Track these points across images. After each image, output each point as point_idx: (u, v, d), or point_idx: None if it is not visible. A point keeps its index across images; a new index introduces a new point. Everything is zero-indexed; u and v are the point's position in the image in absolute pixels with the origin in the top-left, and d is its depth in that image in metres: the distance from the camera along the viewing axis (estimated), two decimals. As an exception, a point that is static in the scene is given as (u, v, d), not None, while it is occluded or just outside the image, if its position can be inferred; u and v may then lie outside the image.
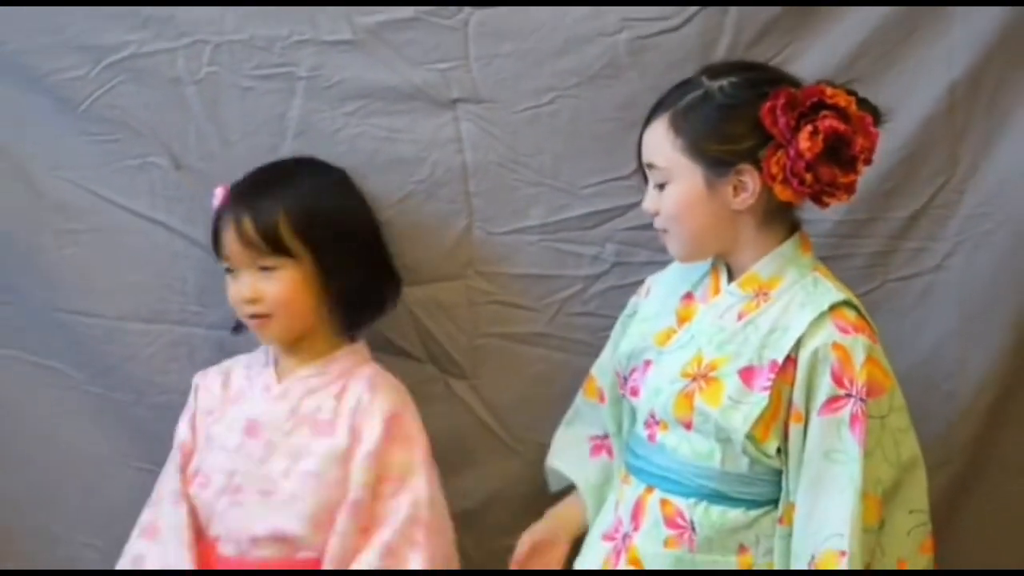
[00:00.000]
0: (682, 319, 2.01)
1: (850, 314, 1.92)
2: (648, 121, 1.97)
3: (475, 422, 2.30)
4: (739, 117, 1.90)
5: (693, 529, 1.94)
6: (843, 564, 1.84)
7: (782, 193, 1.88)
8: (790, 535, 1.92)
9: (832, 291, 1.93)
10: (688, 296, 2.04)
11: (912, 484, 1.94)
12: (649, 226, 2.06)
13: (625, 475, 2.07)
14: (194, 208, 2.25)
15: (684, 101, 1.92)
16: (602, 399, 2.17)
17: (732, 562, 1.94)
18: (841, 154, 1.87)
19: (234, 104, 2.26)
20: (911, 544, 1.94)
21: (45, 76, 2.27)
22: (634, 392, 2.05)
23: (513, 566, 2.16)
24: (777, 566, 1.93)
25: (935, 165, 2.27)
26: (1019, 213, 2.26)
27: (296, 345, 2.12)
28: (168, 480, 2.12)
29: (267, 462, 2.07)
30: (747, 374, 1.91)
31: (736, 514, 1.94)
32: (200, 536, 2.08)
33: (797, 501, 1.90)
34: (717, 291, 2.00)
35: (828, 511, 1.86)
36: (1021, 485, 2.35)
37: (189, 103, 2.27)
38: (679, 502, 1.96)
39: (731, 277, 1.99)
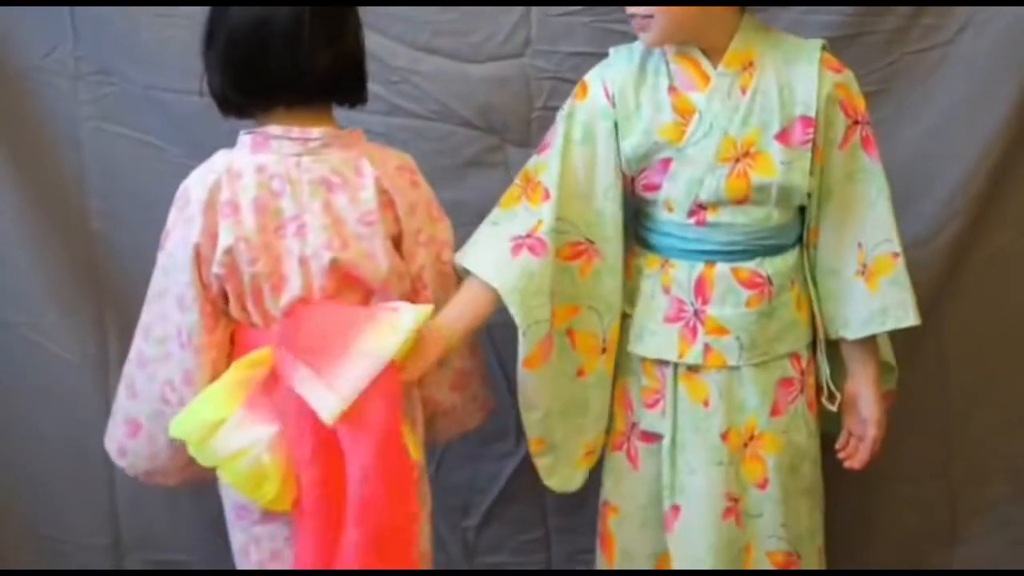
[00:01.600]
0: (683, 112, 2.09)
1: (830, 55, 2.11)
2: None
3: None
4: None
5: (770, 282, 2.12)
6: (899, 264, 2.10)
7: None
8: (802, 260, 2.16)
9: (805, 42, 2.11)
10: (672, 89, 2.11)
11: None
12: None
13: (663, 260, 2.16)
14: None
15: None
16: (546, 197, 2.12)
17: (790, 298, 2.14)
18: None
19: None
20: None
21: None
22: (651, 188, 2.14)
23: None
24: (810, 286, 2.16)
25: None
26: None
27: None
28: None
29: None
30: (783, 136, 2.07)
31: (789, 256, 2.15)
32: None
33: (824, 226, 2.13)
34: (705, 77, 2.09)
35: (871, 221, 2.11)
36: (1018, 235, 2.55)
37: None
38: (748, 265, 2.12)
39: (710, 60, 2.09)
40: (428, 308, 1.99)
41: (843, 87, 2.09)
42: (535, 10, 2.43)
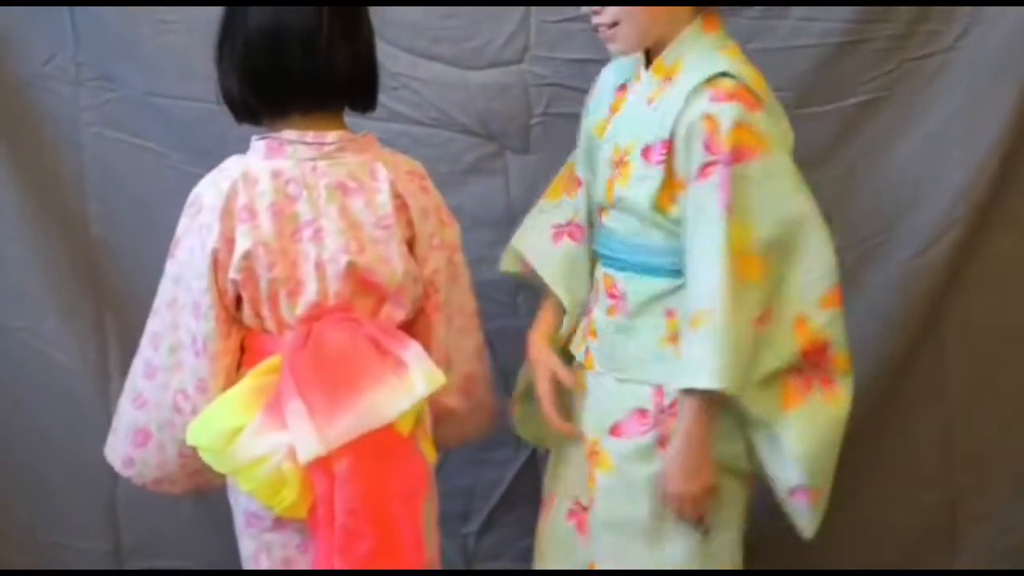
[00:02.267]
0: (614, 110, 2.11)
1: (727, 83, 1.96)
2: None
3: (530, 193, 2.38)
4: None
5: (625, 297, 2.08)
6: (710, 323, 1.92)
7: None
8: None
9: (709, 65, 1.98)
10: (622, 88, 2.12)
11: (808, 243, 1.99)
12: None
13: (596, 261, 2.17)
14: None
15: None
16: (579, 184, 2.18)
17: (661, 325, 2.05)
18: None
19: None
20: (809, 298, 1.99)
21: None
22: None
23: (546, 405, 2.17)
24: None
25: None
26: None
27: None
28: None
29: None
30: (647, 152, 2.01)
31: (658, 282, 2.05)
32: None
33: (686, 266, 2.00)
34: (639, 79, 2.08)
35: (699, 273, 1.96)
36: (1019, 241, 2.55)
37: None
38: (615, 275, 2.09)
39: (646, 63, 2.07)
40: (440, 376, 2.00)
41: (711, 119, 1.95)
42: (534, 17, 2.45)
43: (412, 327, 2.06)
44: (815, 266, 2.00)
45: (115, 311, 2.59)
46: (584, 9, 2.07)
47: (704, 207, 1.96)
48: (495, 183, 2.49)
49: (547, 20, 2.45)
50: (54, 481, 2.65)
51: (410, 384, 1.96)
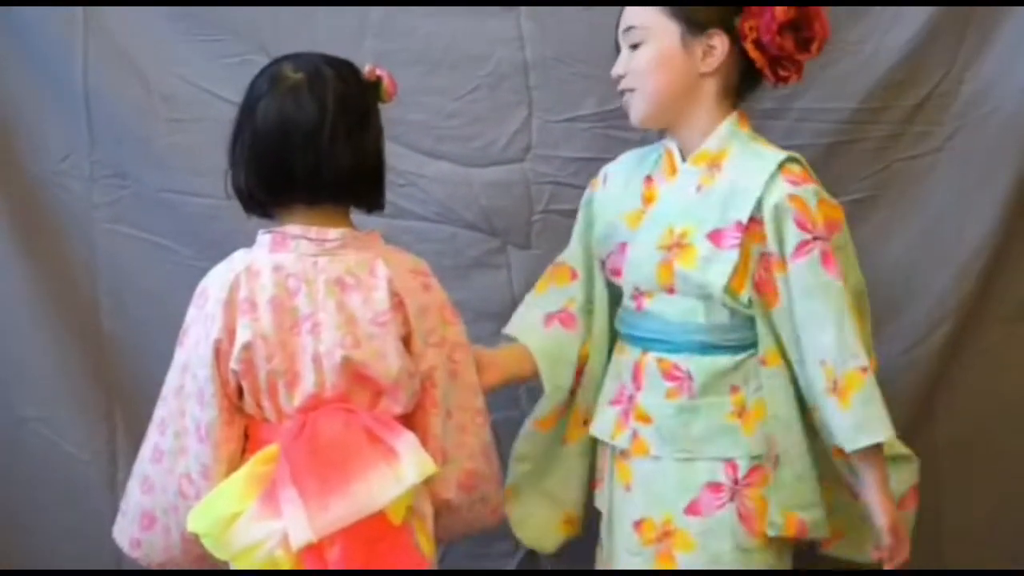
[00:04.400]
0: (647, 200, 2.18)
1: (795, 168, 2.10)
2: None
3: (533, 287, 2.37)
4: None
5: (691, 377, 2.12)
6: (867, 379, 2.04)
7: (752, 52, 2.08)
8: (776, 375, 2.13)
9: (775, 153, 2.11)
10: (648, 179, 2.20)
11: (866, 307, 2.21)
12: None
13: (621, 346, 2.23)
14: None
15: None
16: (574, 276, 2.27)
17: (727, 402, 2.12)
18: (801, 31, 2.10)
19: (322, 8, 2.47)
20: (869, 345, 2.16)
21: None
22: (615, 272, 2.21)
23: None
24: (769, 402, 2.12)
25: (938, 58, 2.47)
26: (1011, 99, 2.47)
27: None
28: None
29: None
30: (715, 236, 2.09)
31: (724, 359, 2.12)
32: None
33: (795, 341, 2.08)
34: (673, 171, 2.16)
35: (828, 340, 2.05)
36: (1007, 334, 2.59)
37: (282, 8, 2.47)
38: (671, 357, 2.13)
39: (684, 157, 2.16)
40: (432, 465, 2.01)
41: (797, 200, 2.07)
42: (536, 117, 2.50)
43: (410, 420, 2.07)
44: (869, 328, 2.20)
45: (124, 403, 2.61)
46: (613, 72, 2.15)
47: (814, 280, 2.06)
48: (498, 277, 2.53)
49: (549, 120, 2.51)
50: (61, 567, 2.64)
51: (400, 471, 1.97)
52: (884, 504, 2.09)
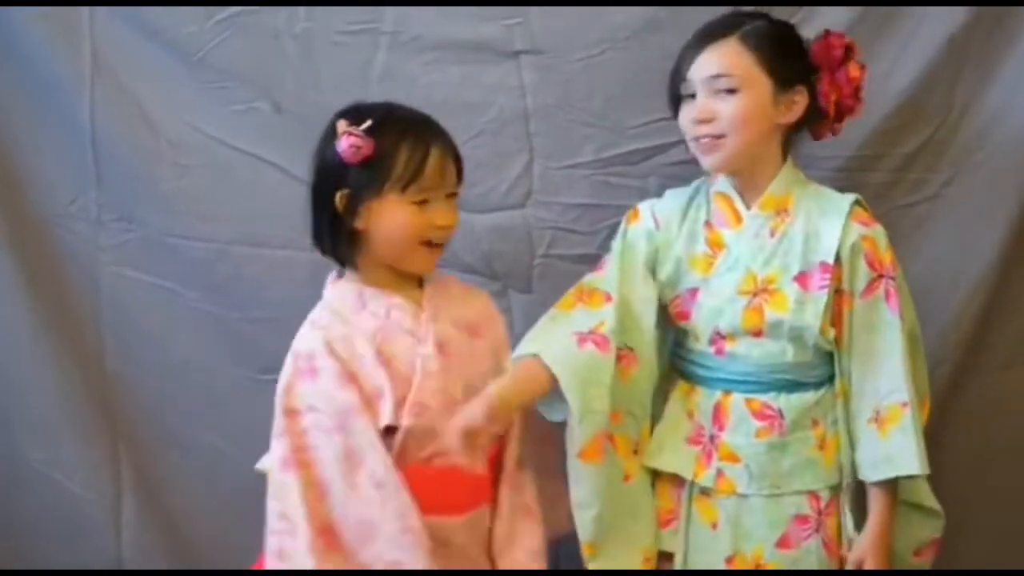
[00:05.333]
0: (714, 245, 2.21)
1: (862, 210, 2.20)
2: (704, 42, 2.14)
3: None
4: (798, 47, 2.19)
5: (782, 416, 2.18)
6: (907, 413, 2.12)
7: (830, 108, 2.17)
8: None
9: (839, 195, 2.20)
10: (707, 224, 2.22)
11: (918, 353, 2.25)
12: (687, 162, 2.27)
13: (688, 386, 2.25)
14: (291, 146, 2.38)
15: (750, 27, 2.14)
16: (608, 300, 2.20)
17: (811, 436, 2.19)
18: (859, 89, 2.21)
19: (326, 55, 2.49)
20: (924, 385, 2.27)
21: (164, 31, 2.49)
22: (682, 316, 2.24)
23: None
24: (842, 432, 2.19)
25: (934, 106, 2.47)
26: (1005, 146, 2.47)
27: (401, 272, 2.13)
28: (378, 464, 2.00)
29: (470, 369, 2.11)
30: (802, 279, 2.15)
31: (808, 395, 2.19)
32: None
33: (851, 371, 2.17)
34: (737, 217, 2.20)
35: (883, 374, 2.15)
36: (1006, 378, 2.59)
37: (287, 55, 2.49)
38: (760, 397, 2.18)
39: (744, 201, 2.20)
40: None
41: (869, 240, 2.17)
42: (536, 163, 2.50)
43: None
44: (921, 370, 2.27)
45: (129, 443, 2.62)
46: (694, 115, 2.15)
47: (877, 317, 2.16)
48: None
49: (550, 166, 2.51)
50: (170, 381, 2.65)
51: None
52: (871, 542, 2.17)
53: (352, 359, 2.03)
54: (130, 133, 2.56)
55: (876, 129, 2.48)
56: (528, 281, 2.55)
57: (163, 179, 2.56)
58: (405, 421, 2.02)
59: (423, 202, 2.06)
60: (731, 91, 2.13)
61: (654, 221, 2.27)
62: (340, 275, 2.15)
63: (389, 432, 2.02)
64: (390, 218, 2.05)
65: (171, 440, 2.63)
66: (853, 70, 2.17)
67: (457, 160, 2.10)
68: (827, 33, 2.19)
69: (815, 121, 2.22)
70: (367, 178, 2.04)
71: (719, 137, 2.15)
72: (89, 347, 2.63)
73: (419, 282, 2.16)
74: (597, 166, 2.51)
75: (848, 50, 2.18)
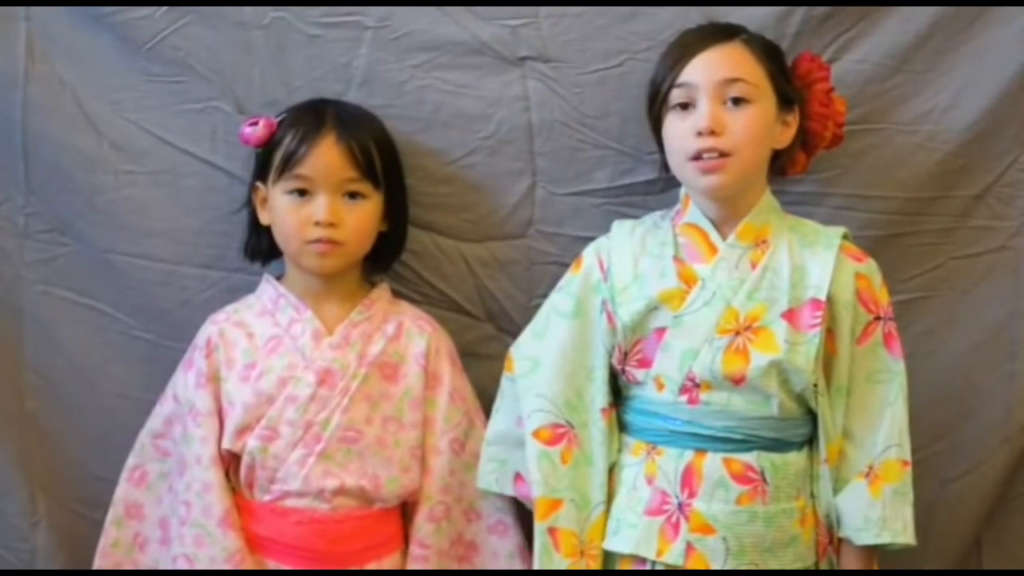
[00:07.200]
0: (687, 280, 2.06)
1: (851, 244, 2.09)
2: (707, 41, 2.05)
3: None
4: (790, 67, 2.11)
5: (765, 480, 2.02)
6: (907, 473, 2.02)
7: (825, 133, 2.11)
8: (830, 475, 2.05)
9: (823, 227, 2.11)
10: (676, 259, 2.08)
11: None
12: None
13: (650, 447, 2.08)
14: (253, 154, 2.23)
15: (748, 36, 2.07)
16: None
17: (794, 508, 2.04)
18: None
19: (300, 51, 2.31)
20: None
21: (110, 14, 2.31)
22: (643, 363, 2.08)
23: None
24: (822, 503, 2.05)
25: (1003, 144, 2.31)
26: None
27: (331, 283, 2.16)
28: (198, 447, 2.12)
29: (349, 411, 2.10)
30: (790, 316, 2.02)
31: (794, 457, 2.05)
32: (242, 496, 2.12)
33: (845, 423, 2.05)
34: (712, 248, 2.07)
35: (883, 425, 2.03)
36: None
37: (255, 48, 2.31)
38: (743, 457, 2.02)
39: (719, 232, 2.07)
40: None
41: (864, 278, 2.07)
42: (540, 188, 2.33)
43: None
44: None
45: (49, 498, 2.43)
46: (700, 125, 2.02)
47: (879, 364, 2.06)
48: (493, 368, 2.27)
49: (555, 192, 2.32)
50: (100, 420, 2.44)
51: None
52: None
53: (225, 363, 2.13)
54: (67, 133, 2.36)
55: (935, 168, 2.31)
56: (525, 324, 2.29)
57: (104, 187, 2.36)
58: (250, 443, 2.09)
59: (303, 193, 2.11)
60: (741, 101, 2.03)
61: (600, 269, 2.14)
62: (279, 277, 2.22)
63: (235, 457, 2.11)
64: (275, 210, 2.14)
65: (99, 496, 2.38)
66: (838, 101, 2.12)
67: (366, 154, 2.12)
68: (809, 55, 2.14)
69: (791, 153, 2.14)
70: (260, 165, 2.15)
71: (725, 155, 2.02)
72: (6, 382, 2.41)
73: (357, 300, 2.18)
74: (610, 194, 2.33)
75: (827, 75, 2.13)
